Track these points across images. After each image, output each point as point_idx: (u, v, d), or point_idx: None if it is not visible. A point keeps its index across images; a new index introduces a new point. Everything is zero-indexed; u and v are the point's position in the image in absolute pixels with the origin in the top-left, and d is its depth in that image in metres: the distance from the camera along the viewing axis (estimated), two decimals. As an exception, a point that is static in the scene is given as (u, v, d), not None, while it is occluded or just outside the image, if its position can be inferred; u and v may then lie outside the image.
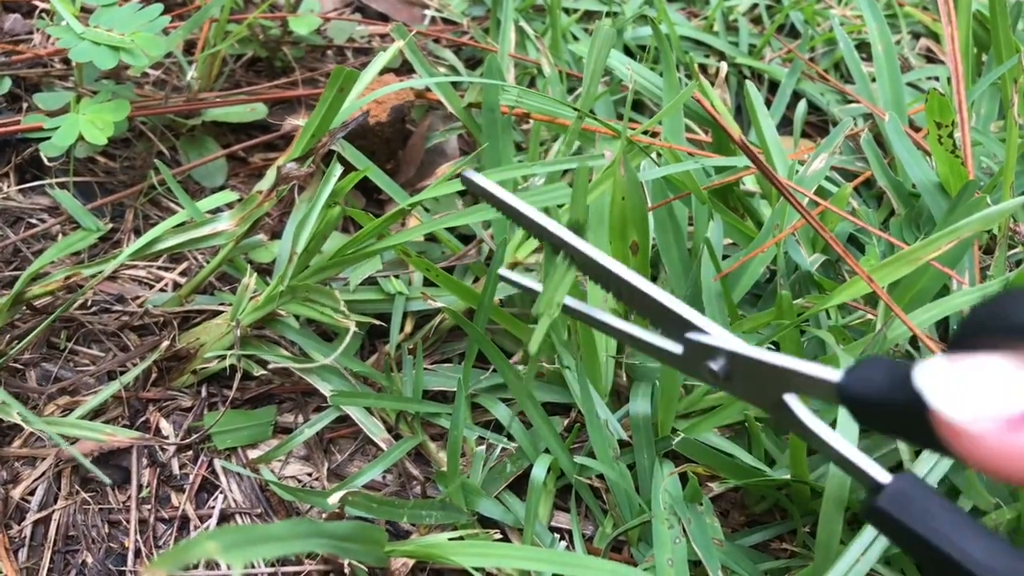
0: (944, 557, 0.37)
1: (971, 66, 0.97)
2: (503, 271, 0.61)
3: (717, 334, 0.47)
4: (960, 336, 0.34)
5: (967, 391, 0.31)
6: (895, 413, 0.36)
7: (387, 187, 0.80)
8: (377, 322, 0.74)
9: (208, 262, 0.80)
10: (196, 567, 0.62)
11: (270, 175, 0.79)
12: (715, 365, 0.47)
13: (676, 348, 0.49)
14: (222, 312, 0.74)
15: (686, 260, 0.76)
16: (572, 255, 0.52)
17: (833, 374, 0.39)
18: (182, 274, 0.82)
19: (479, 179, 0.55)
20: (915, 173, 0.83)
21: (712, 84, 1.05)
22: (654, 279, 0.79)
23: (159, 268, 0.82)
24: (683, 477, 0.65)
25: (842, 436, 0.44)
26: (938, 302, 0.67)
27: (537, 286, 0.56)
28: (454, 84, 0.92)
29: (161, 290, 0.80)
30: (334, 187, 0.68)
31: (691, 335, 0.48)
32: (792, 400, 0.45)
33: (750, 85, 0.86)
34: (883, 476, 0.42)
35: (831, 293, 0.70)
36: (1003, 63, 0.90)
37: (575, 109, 0.76)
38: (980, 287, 0.66)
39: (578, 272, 0.53)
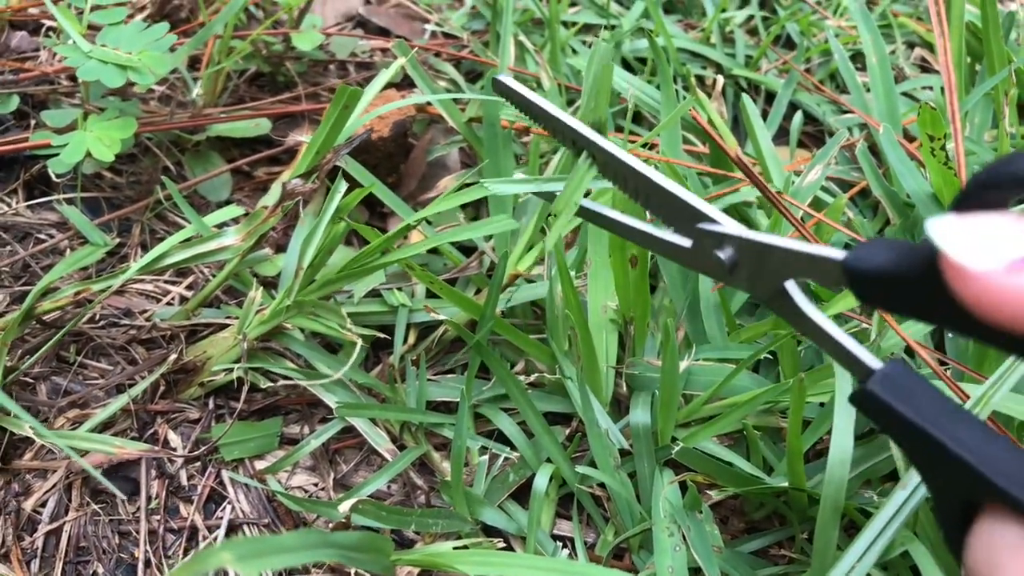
0: (931, 440, 0.38)
1: (964, 76, 0.98)
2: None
3: (727, 223, 0.48)
4: (968, 193, 0.35)
5: (974, 237, 0.33)
6: (900, 284, 0.37)
7: (391, 202, 0.81)
8: (381, 335, 0.75)
9: (214, 276, 0.81)
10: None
11: (275, 190, 0.81)
12: (723, 254, 0.48)
13: (686, 242, 0.51)
14: (228, 325, 0.75)
15: (684, 270, 0.77)
16: (594, 154, 0.55)
17: (838, 253, 0.40)
18: (188, 288, 0.83)
19: (510, 83, 0.58)
20: (909, 184, 0.84)
21: (709, 96, 1.06)
22: (653, 289, 0.80)
23: (166, 282, 0.84)
24: (683, 485, 0.67)
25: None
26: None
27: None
28: (455, 99, 0.94)
29: (168, 304, 0.82)
30: (339, 203, 0.69)
31: (701, 225, 0.49)
32: (792, 288, 0.46)
33: (746, 98, 0.87)
34: (875, 363, 0.43)
35: (827, 303, 0.71)
36: (996, 74, 0.92)
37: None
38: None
39: (599, 172, 0.56)
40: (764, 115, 1.08)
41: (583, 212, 0.60)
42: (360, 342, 0.70)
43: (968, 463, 0.37)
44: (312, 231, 0.70)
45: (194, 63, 1.01)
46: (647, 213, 0.55)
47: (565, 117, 0.56)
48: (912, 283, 0.36)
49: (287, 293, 0.70)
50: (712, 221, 0.49)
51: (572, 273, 0.76)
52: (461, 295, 0.72)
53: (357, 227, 0.71)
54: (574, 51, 1.13)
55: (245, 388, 0.73)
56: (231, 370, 0.72)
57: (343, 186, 0.70)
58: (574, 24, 1.16)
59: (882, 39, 1.00)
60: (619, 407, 0.73)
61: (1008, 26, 1.04)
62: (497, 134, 0.85)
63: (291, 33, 1.01)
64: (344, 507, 0.61)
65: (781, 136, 1.05)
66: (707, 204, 0.49)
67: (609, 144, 0.54)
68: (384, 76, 0.80)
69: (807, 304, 0.46)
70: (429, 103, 0.93)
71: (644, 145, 0.81)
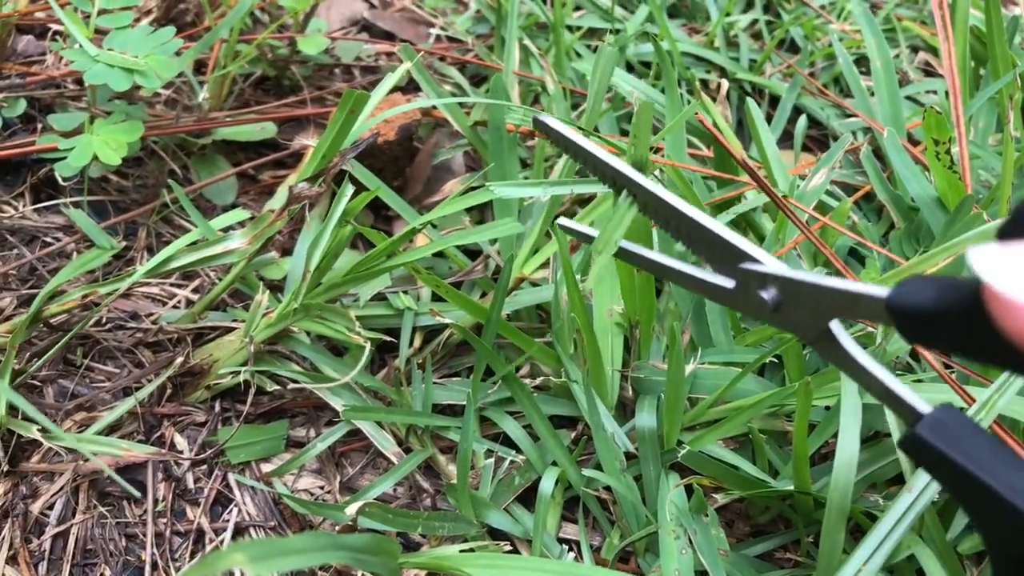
0: (983, 487, 0.37)
1: (968, 80, 0.99)
2: (562, 221, 0.62)
3: (770, 263, 0.48)
4: (1012, 223, 0.34)
5: (1018, 267, 0.32)
6: (943, 321, 0.36)
7: (397, 206, 0.81)
8: (387, 338, 0.75)
9: (220, 279, 0.82)
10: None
11: (281, 194, 0.81)
12: (767, 295, 0.47)
13: (728, 283, 0.50)
14: (235, 329, 0.76)
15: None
16: (635, 193, 0.54)
17: (882, 291, 0.39)
18: (195, 291, 0.83)
19: (551, 122, 0.58)
20: (913, 187, 0.84)
21: (714, 100, 1.07)
22: (658, 292, 0.80)
23: (172, 285, 0.84)
24: (688, 489, 0.67)
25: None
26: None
27: (593, 232, 0.59)
28: (460, 103, 0.94)
29: (174, 307, 0.82)
30: (346, 207, 0.70)
31: (744, 265, 0.48)
32: (838, 329, 0.46)
33: (751, 102, 0.87)
34: (925, 407, 0.42)
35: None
36: (1000, 78, 0.92)
37: (580, 128, 0.78)
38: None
39: (639, 211, 0.55)
40: (768, 119, 1.09)
41: (622, 253, 0.58)
42: (368, 345, 0.70)
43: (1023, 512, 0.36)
44: (319, 234, 0.70)
45: (200, 67, 1.02)
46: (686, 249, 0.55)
47: (605, 156, 0.55)
48: (956, 320, 0.35)
49: (294, 296, 0.70)
50: (755, 261, 0.49)
51: (578, 277, 0.76)
52: (467, 298, 0.73)
53: (363, 230, 0.71)
54: (578, 55, 1.13)
55: (252, 391, 0.73)
56: (237, 373, 0.72)
57: (350, 189, 0.70)
58: (579, 28, 1.17)
59: (886, 43, 1.00)
60: (624, 411, 0.74)
61: (1012, 30, 1.04)
62: (502, 138, 0.85)
63: (297, 37, 1.01)
64: (351, 510, 0.61)
65: (785, 140, 1.05)
66: (750, 244, 0.49)
67: (650, 183, 0.53)
68: (390, 80, 0.81)
69: (853, 346, 0.45)
70: (434, 107, 0.94)
71: (649, 149, 0.81)
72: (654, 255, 0.56)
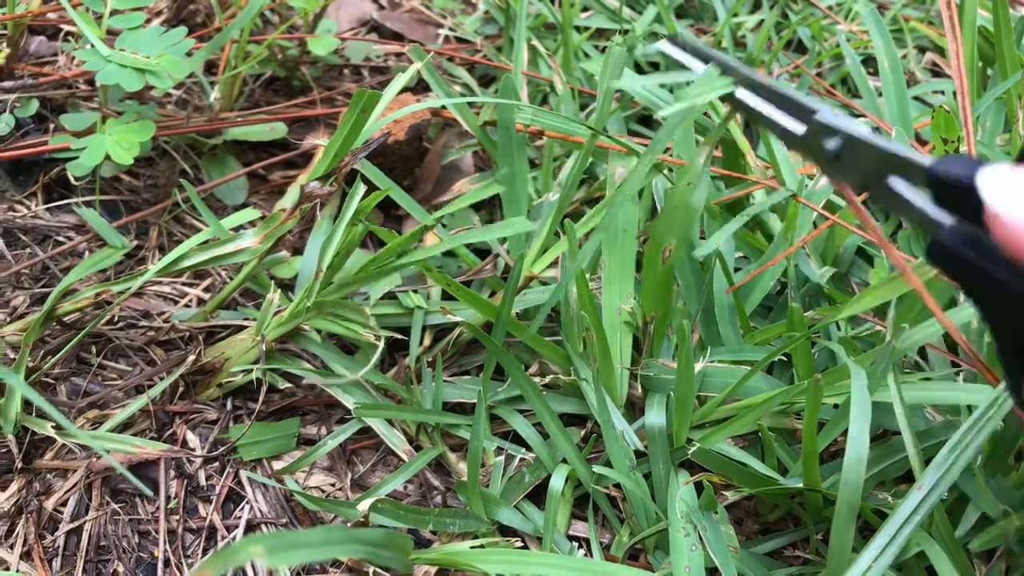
0: (1001, 284, 0.41)
1: (976, 80, 0.99)
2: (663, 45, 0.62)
3: (839, 118, 0.52)
4: None
5: (1014, 188, 0.38)
6: (965, 194, 0.41)
7: (407, 205, 0.82)
8: (398, 336, 0.76)
9: (232, 278, 0.82)
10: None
11: (292, 193, 0.81)
12: (831, 144, 0.51)
13: (799, 128, 0.53)
14: (246, 327, 0.76)
15: (699, 273, 0.78)
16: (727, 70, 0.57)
17: (926, 160, 0.44)
18: (206, 290, 0.84)
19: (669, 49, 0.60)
20: (922, 187, 0.84)
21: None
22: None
23: (184, 284, 0.84)
24: (698, 486, 0.67)
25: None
26: (947, 314, 0.69)
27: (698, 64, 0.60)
28: (470, 103, 0.94)
29: (186, 306, 0.82)
30: (357, 206, 0.70)
31: (816, 116, 0.52)
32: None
33: (759, 102, 0.87)
34: (947, 220, 0.46)
35: (841, 305, 0.72)
36: (1008, 78, 0.92)
37: (589, 127, 0.78)
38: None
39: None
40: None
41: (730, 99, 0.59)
42: (380, 343, 0.70)
43: None
44: (331, 234, 0.70)
45: (210, 67, 1.02)
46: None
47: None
48: (974, 197, 0.40)
49: (307, 294, 0.70)
50: (825, 114, 0.53)
51: (587, 275, 0.76)
52: (477, 297, 0.73)
53: (375, 229, 0.72)
54: (586, 55, 1.14)
55: (263, 389, 0.73)
56: (249, 371, 0.73)
57: (362, 189, 0.71)
58: (587, 28, 1.17)
59: (893, 44, 1.00)
60: (634, 409, 0.74)
61: (1020, 30, 1.04)
62: (511, 137, 0.85)
63: (307, 38, 1.01)
64: (363, 506, 0.62)
65: (793, 140, 1.05)
66: (823, 105, 0.52)
67: (736, 62, 0.57)
68: (400, 80, 0.81)
69: (895, 180, 0.49)
70: (443, 107, 0.94)
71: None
72: (742, 93, 0.58)
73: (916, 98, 1.13)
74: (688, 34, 0.59)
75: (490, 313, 0.73)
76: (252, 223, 0.80)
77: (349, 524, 0.67)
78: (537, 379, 0.74)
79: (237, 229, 0.80)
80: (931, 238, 0.46)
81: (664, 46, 0.61)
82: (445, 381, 0.76)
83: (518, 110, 0.85)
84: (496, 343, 0.70)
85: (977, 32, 0.99)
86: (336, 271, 0.73)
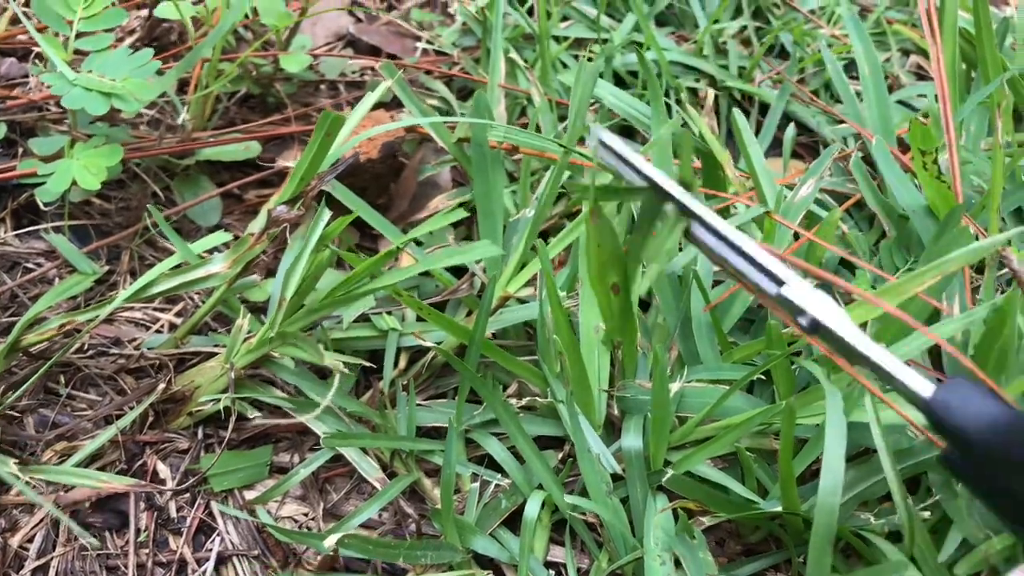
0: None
1: (959, 84, 0.97)
2: (602, 133, 0.60)
3: (809, 297, 0.50)
4: None
5: None
6: (973, 450, 0.41)
7: (378, 225, 0.80)
8: (366, 363, 0.74)
9: (203, 302, 0.81)
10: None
11: (262, 217, 0.80)
12: (803, 320, 0.50)
13: (772, 289, 0.52)
14: (217, 354, 0.75)
15: (677, 289, 0.77)
16: (684, 211, 0.55)
17: (924, 388, 0.44)
18: (178, 315, 0.83)
19: (608, 139, 0.58)
20: (903, 196, 0.83)
21: (701, 109, 1.06)
22: (647, 307, 0.80)
23: (155, 309, 0.83)
24: (677, 511, 0.66)
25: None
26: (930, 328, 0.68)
27: (637, 160, 0.58)
28: (444, 120, 0.93)
29: (157, 331, 0.81)
30: (323, 231, 0.69)
31: (784, 291, 0.50)
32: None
33: (737, 114, 0.86)
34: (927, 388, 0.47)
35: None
36: (990, 81, 0.91)
37: (562, 145, 0.77)
38: (968, 314, 0.66)
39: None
40: (758, 126, 1.08)
41: (691, 237, 0.57)
42: (345, 371, 0.69)
43: None
44: (295, 261, 0.69)
45: (183, 87, 1.01)
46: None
47: (660, 177, 0.56)
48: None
49: (271, 324, 0.69)
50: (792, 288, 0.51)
51: (564, 294, 0.75)
52: (449, 320, 0.72)
53: (342, 254, 0.71)
54: (565, 66, 1.12)
55: (233, 418, 0.72)
56: (218, 400, 0.71)
57: (327, 214, 0.69)
58: (565, 39, 1.16)
59: (874, 49, 0.99)
60: (612, 429, 0.73)
61: (1003, 32, 1.02)
62: (486, 155, 0.84)
63: (279, 55, 1.00)
64: (330, 541, 0.60)
65: (776, 147, 1.04)
66: (787, 271, 0.50)
67: (700, 204, 0.55)
68: (371, 99, 0.80)
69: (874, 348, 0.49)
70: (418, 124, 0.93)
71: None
72: (718, 245, 0.56)
73: (900, 102, 1.11)
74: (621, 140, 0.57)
75: (463, 336, 0.72)
76: (226, 245, 0.78)
77: (319, 557, 0.65)
78: (514, 400, 0.73)
79: (210, 252, 0.78)
80: (941, 454, 0.46)
81: (603, 136, 0.58)
82: (420, 405, 0.75)
83: (491, 128, 0.83)
84: (469, 367, 0.69)
85: (959, 35, 0.98)
86: (305, 295, 0.72)
